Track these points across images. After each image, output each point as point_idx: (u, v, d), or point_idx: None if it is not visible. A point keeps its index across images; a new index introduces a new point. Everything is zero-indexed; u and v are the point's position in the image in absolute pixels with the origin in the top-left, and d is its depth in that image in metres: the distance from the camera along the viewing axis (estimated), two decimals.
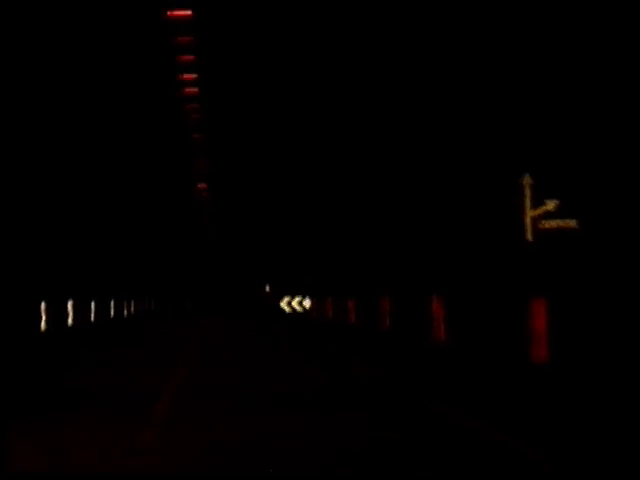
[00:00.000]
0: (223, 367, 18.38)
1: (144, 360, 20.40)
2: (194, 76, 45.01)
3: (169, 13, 37.10)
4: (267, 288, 68.95)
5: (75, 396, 12.76)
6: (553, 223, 16.27)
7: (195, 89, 45.28)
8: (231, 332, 37.47)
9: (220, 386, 14.19)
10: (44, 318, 30.48)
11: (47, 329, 30.57)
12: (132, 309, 55.55)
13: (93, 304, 41.01)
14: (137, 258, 53.35)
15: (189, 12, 37.01)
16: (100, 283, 43.31)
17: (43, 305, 30.59)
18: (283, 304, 57.33)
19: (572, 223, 16.18)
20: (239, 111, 44.55)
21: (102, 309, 43.89)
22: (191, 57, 42.73)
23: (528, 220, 16.27)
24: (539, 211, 16.29)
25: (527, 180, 16.29)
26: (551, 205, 16.39)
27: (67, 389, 13.88)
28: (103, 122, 36.77)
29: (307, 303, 55.58)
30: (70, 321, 35.32)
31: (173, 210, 54.44)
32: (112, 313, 47.35)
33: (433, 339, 19.38)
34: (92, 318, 40.69)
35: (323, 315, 40.10)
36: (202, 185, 53.34)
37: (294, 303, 56.78)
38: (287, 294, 57.35)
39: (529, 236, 16.31)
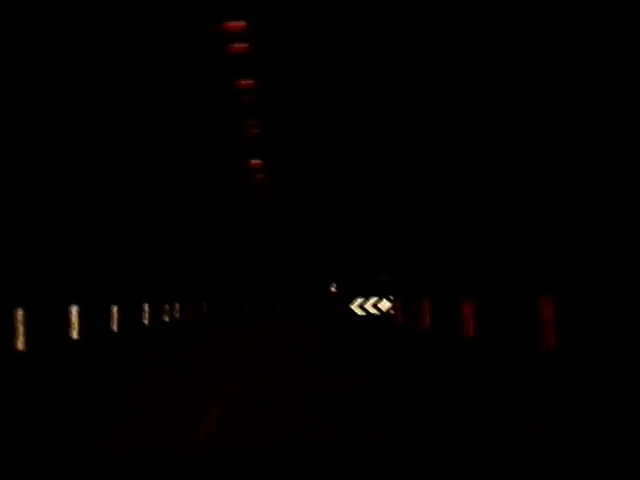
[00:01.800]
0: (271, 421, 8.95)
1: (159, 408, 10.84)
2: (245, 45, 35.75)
3: None
4: (333, 288, 59.20)
5: None
6: None
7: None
8: (292, 345, 27.95)
9: None
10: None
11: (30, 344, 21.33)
12: (178, 314, 46.28)
13: (115, 309, 31.70)
14: (177, 253, 44.05)
15: None
16: (129, 284, 34.14)
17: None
18: (355, 306, 47.59)
19: None
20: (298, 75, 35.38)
21: (131, 315, 34.67)
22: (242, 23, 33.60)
23: None
24: None
25: None
26: None
27: None
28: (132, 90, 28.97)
29: (384, 305, 45.93)
30: (75, 334, 26.08)
31: (219, 192, 45.06)
32: (147, 320, 38.05)
33: None
34: (115, 327, 31.47)
35: (415, 322, 30.18)
36: (255, 162, 43.80)
37: (368, 305, 47.08)
38: (358, 294, 47.69)
39: None
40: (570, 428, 9.21)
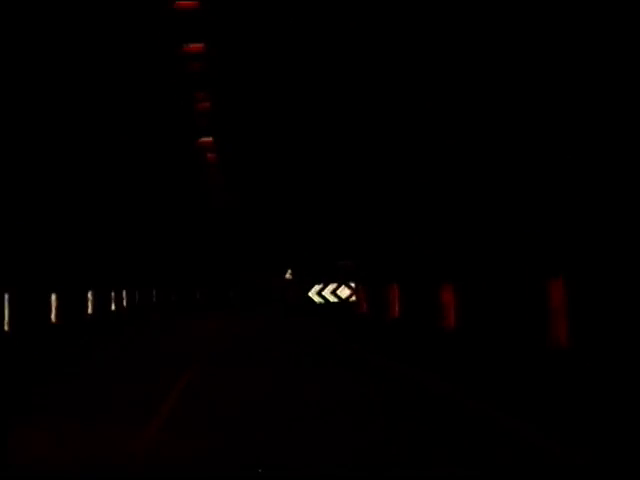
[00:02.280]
0: None
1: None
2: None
3: None
4: (288, 274, 56.71)
5: None
6: None
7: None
8: (243, 340, 25.54)
9: None
10: None
11: None
12: (124, 302, 43.66)
13: (54, 297, 29.17)
14: (123, 237, 41.39)
15: None
16: (74, 271, 31.57)
17: None
18: (312, 294, 45.03)
19: None
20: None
21: (72, 303, 32.10)
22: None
23: None
24: None
25: None
26: None
27: None
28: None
29: (344, 292, 43.41)
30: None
31: (167, 173, 42.35)
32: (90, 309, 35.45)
33: None
34: (53, 317, 28.99)
35: (382, 311, 27.60)
36: (206, 139, 41.06)
37: (326, 292, 44.51)
38: (317, 281, 45.15)
39: None
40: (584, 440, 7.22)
